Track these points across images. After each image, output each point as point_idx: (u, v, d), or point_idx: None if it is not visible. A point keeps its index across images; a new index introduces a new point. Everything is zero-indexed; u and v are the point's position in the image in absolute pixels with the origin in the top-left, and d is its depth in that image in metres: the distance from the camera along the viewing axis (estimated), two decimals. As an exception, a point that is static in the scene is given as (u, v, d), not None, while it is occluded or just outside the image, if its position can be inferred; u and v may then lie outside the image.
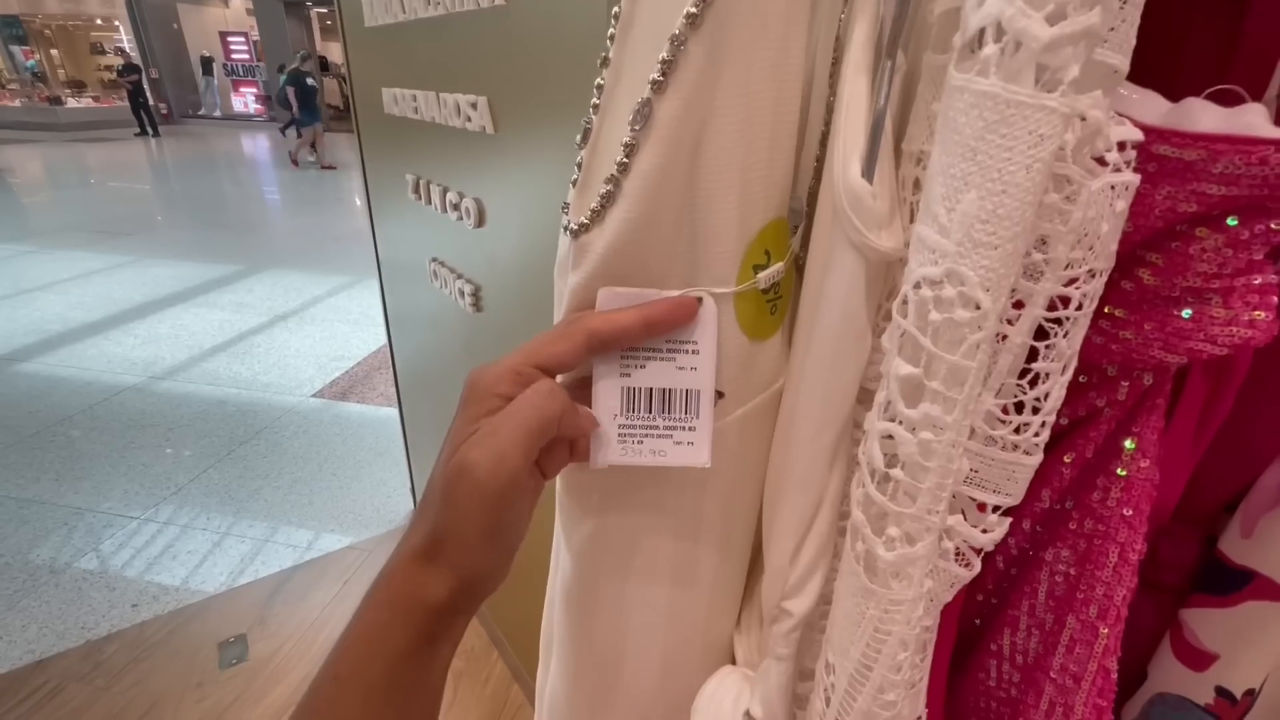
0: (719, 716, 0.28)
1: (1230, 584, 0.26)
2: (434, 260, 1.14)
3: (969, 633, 0.33)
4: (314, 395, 2.49)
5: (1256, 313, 0.19)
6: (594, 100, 0.28)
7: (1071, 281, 0.19)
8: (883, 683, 0.22)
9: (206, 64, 12.56)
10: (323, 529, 1.78)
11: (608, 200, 0.28)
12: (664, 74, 0.25)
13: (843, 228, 0.23)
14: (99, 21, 12.82)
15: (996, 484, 0.21)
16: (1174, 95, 0.21)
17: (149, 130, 10.09)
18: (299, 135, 7.89)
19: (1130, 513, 0.24)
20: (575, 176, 0.31)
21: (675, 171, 0.27)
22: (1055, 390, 0.20)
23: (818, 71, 0.28)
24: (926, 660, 0.26)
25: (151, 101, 10.66)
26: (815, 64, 0.28)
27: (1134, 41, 0.17)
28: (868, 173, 0.22)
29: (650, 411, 0.28)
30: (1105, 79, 0.17)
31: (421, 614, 0.26)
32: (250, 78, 12.76)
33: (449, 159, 0.99)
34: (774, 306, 0.28)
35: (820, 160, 0.30)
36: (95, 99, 11.85)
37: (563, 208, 0.31)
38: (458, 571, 0.26)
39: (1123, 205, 0.19)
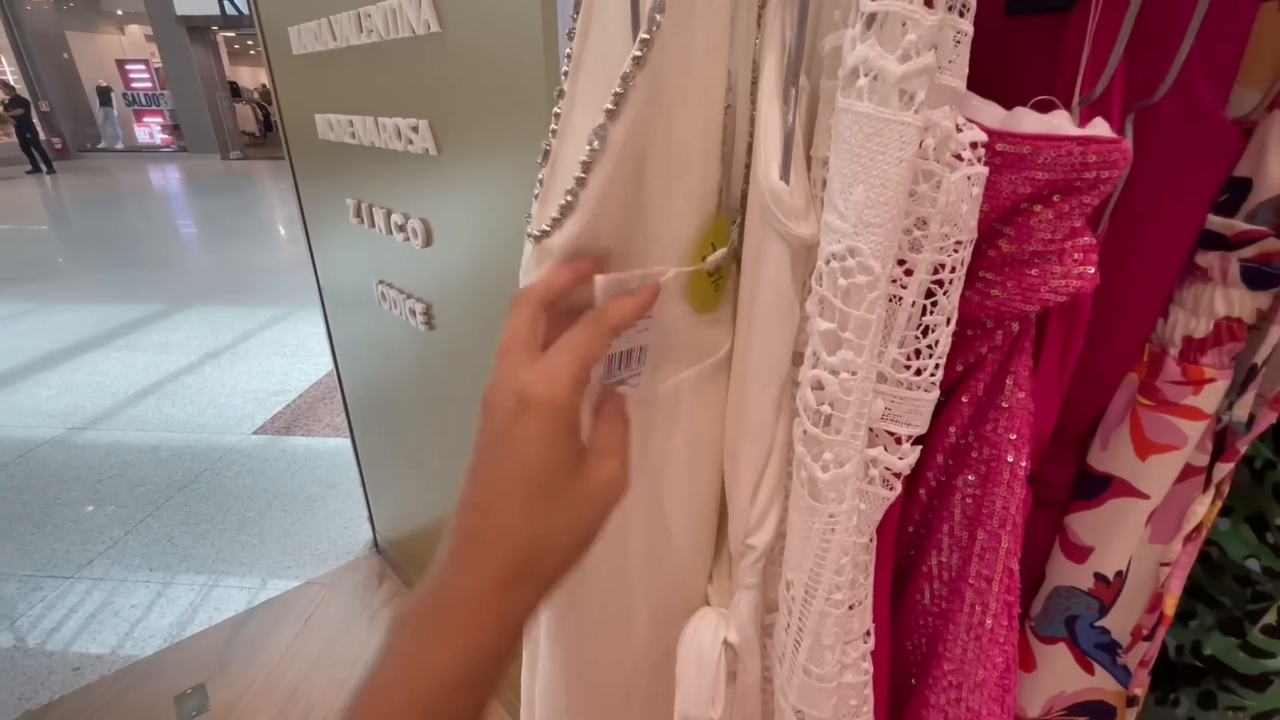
0: (701, 649, 0.33)
1: (1096, 489, 0.32)
2: (381, 282, 1.15)
3: (904, 562, 0.38)
4: (255, 432, 2.40)
5: (1083, 268, 0.25)
6: (552, 126, 0.33)
7: (944, 250, 0.25)
8: (831, 585, 0.27)
9: (104, 94, 11.83)
10: (278, 568, 1.73)
11: (566, 210, 0.32)
12: (616, 104, 0.29)
13: (769, 221, 0.28)
14: (-23, 53, 11.87)
15: (906, 418, 0.26)
16: (1015, 106, 0.27)
17: (41, 167, 9.40)
18: None
19: (1014, 436, 0.30)
20: (536, 191, 0.34)
21: (622, 184, 0.31)
22: (943, 338, 0.26)
23: (740, 92, 0.33)
24: (868, 580, 0.31)
25: (44, 136, 9.95)
26: (737, 86, 0.33)
27: (967, 69, 0.22)
28: (784, 175, 0.27)
29: (618, 367, 0.32)
30: (950, 96, 0.22)
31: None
32: (154, 106, 12.09)
33: (391, 181, 1.00)
34: (718, 286, 0.33)
35: (748, 166, 0.35)
36: (-22, 136, 10.95)
37: (526, 218, 0.35)
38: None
39: (977, 190, 0.25)
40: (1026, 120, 0.25)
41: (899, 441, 0.27)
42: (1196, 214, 0.27)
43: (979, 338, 0.29)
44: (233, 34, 11.29)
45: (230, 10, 9.55)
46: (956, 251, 0.24)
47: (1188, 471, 0.32)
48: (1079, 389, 0.32)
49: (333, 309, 1.51)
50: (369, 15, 0.87)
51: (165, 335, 3.35)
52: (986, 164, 0.24)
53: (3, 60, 11.03)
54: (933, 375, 0.26)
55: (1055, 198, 0.25)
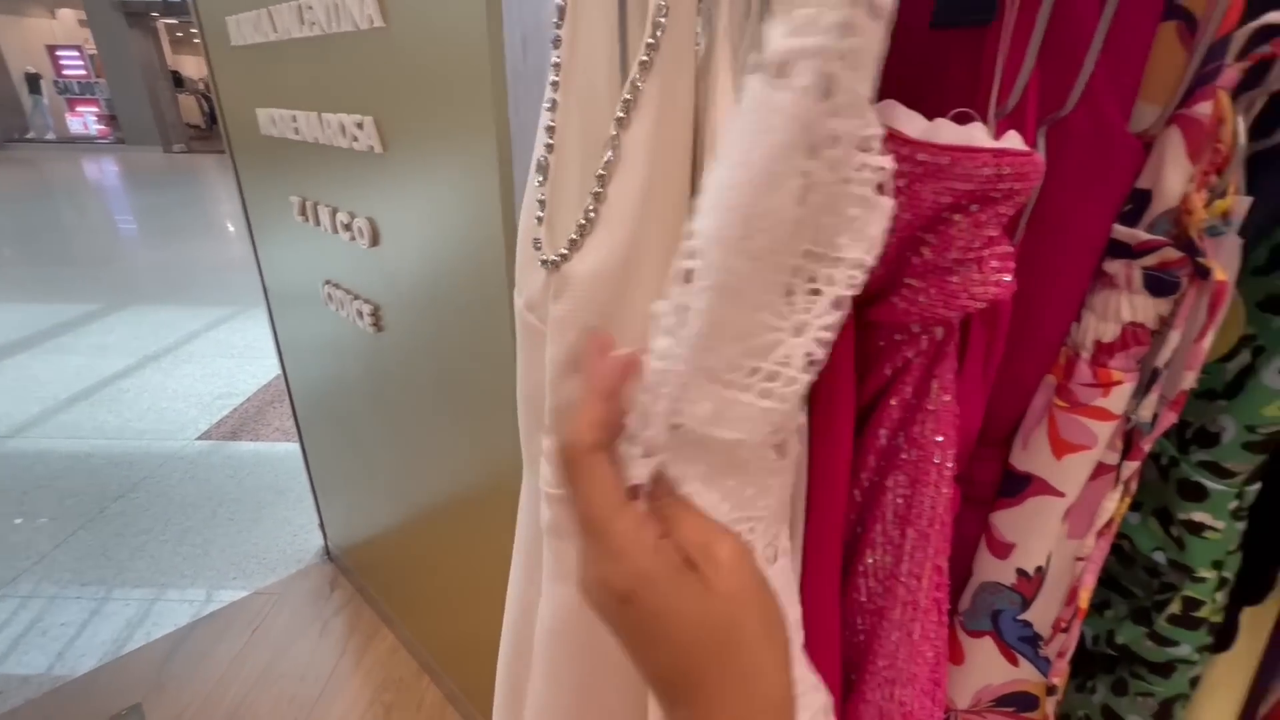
0: None
1: (1017, 487, 0.34)
2: (327, 283, 1.11)
3: (846, 561, 0.39)
4: (199, 438, 2.30)
5: (1000, 275, 0.26)
6: (546, 140, 0.31)
7: (796, 255, 0.25)
8: None
9: (33, 81, 11.14)
10: (222, 579, 1.66)
11: (585, 229, 0.31)
12: (626, 111, 0.28)
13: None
14: (-112, 35, 11.04)
15: (737, 423, 0.26)
16: (939, 117, 0.28)
17: (-37, 158, 8.79)
18: None
19: (940, 438, 0.31)
20: (539, 212, 0.33)
21: (645, 197, 0.30)
22: (781, 346, 0.26)
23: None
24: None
25: (-36, 125, 9.32)
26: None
27: (872, 68, 0.22)
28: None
29: None
30: (844, 98, 0.23)
31: None
32: (89, 95, 11.46)
33: (336, 179, 0.97)
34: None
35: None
36: (-112, 124, 10.17)
37: (533, 242, 0.33)
38: None
39: (858, 212, 0.25)
40: (945, 131, 0.25)
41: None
42: (1103, 224, 0.28)
43: (906, 343, 0.30)
44: (175, 21, 10.78)
45: (171, -4, 9.12)
46: (830, 268, 0.25)
47: (1100, 470, 0.33)
48: (1002, 390, 0.33)
49: (278, 310, 1.46)
50: (310, 8, 0.84)
51: (101, 337, 3.18)
52: (910, 173, 0.25)
53: (-82, 42, 10.28)
54: (766, 381, 0.26)
55: (973, 208, 0.25)
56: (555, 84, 0.30)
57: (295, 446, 1.67)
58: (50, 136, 11.35)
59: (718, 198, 0.23)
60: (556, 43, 0.29)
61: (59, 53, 11.39)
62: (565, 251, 0.31)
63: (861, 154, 0.25)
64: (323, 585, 1.64)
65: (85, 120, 11.52)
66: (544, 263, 0.32)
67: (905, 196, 0.26)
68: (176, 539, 1.80)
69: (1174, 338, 0.27)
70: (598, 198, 0.30)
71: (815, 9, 0.21)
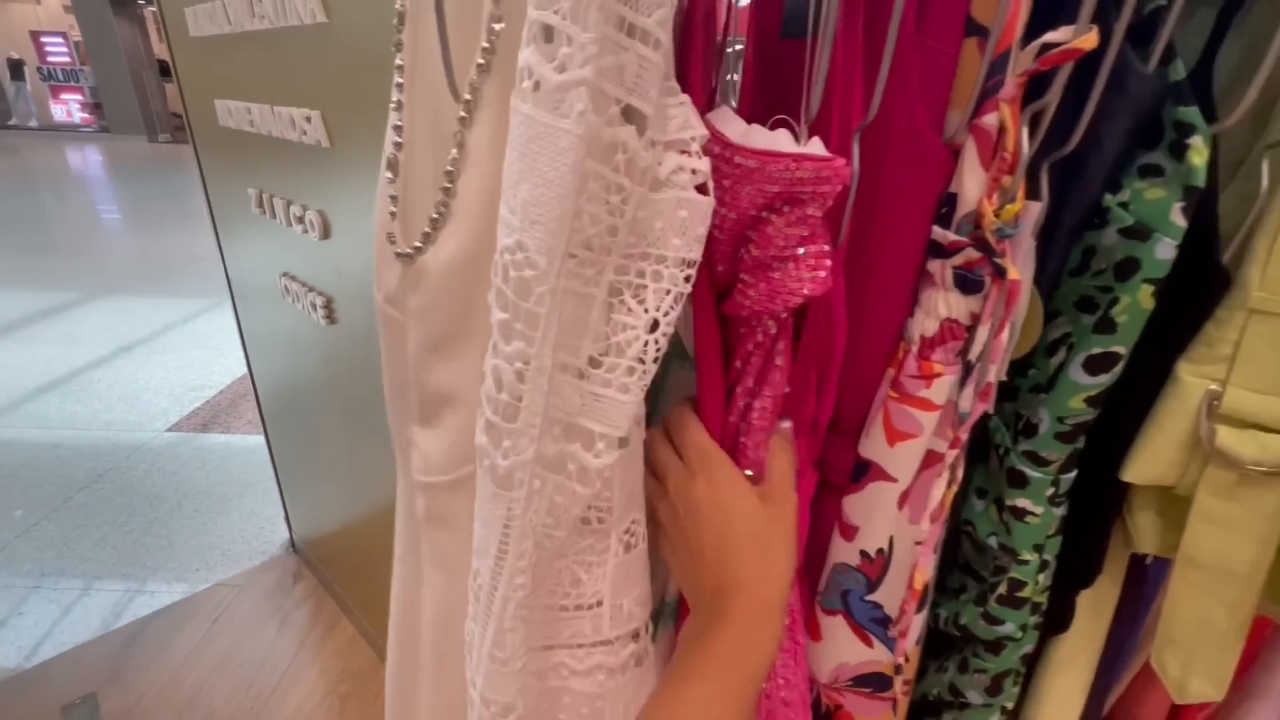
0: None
1: (861, 473, 0.36)
2: (284, 275, 1.12)
3: None
4: (169, 429, 2.29)
5: (815, 272, 0.28)
6: (395, 139, 0.33)
7: (631, 258, 0.27)
8: (513, 569, 0.28)
9: (16, 67, 10.98)
10: (185, 570, 1.66)
11: (437, 223, 0.32)
12: (468, 110, 0.30)
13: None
14: None
15: (601, 417, 0.28)
16: (797, 122, 0.30)
17: (-58, 144, 8.66)
18: None
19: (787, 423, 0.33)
20: (392, 208, 0.34)
21: (492, 191, 0.31)
22: (636, 342, 0.28)
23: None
24: (596, 580, 0.32)
25: (-56, 111, 9.17)
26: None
27: (654, 94, 0.24)
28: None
29: None
30: (638, 117, 0.24)
31: None
32: (73, 83, 11.31)
33: (290, 172, 0.98)
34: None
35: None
36: None
37: (387, 236, 0.35)
38: None
39: (685, 213, 0.27)
40: (758, 137, 0.27)
41: (592, 440, 0.28)
42: (923, 225, 0.30)
43: (748, 335, 0.32)
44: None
45: (159, -16, 8.99)
46: (659, 265, 0.26)
47: (931, 458, 0.35)
48: (852, 382, 0.35)
49: (242, 303, 1.46)
50: (260, 1, 0.85)
51: (74, 327, 3.16)
52: (729, 175, 0.27)
53: (-103, 25, 10.09)
54: (625, 376, 0.28)
55: (785, 208, 0.27)
56: (400, 85, 0.31)
57: (264, 439, 1.67)
58: (33, 124, 11.19)
59: (529, 214, 0.24)
60: (398, 46, 0.31)
61: (43, 39, 11.23)
62: (420, 244, 0.32)
63: (680, 156, 0.27)
64: (286, 578, 1.65)
65: (69, 108, 11.38)
66: (399, 255, 0.33)
67: (730, 196, 0.28)
68: (141, 530, 1.80)
69: (982, 333, 0.29)
70: (448, 193, 0.31)
71: (570, 45, 0.22)
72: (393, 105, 0.34)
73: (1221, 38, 0.28)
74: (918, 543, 0.34)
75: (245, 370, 1.60)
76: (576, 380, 0.28)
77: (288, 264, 1.11)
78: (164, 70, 11.06)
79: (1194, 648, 0.31)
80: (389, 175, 0.34)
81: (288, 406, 1.47)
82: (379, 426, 1.10)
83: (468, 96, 0.28)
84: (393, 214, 0.33)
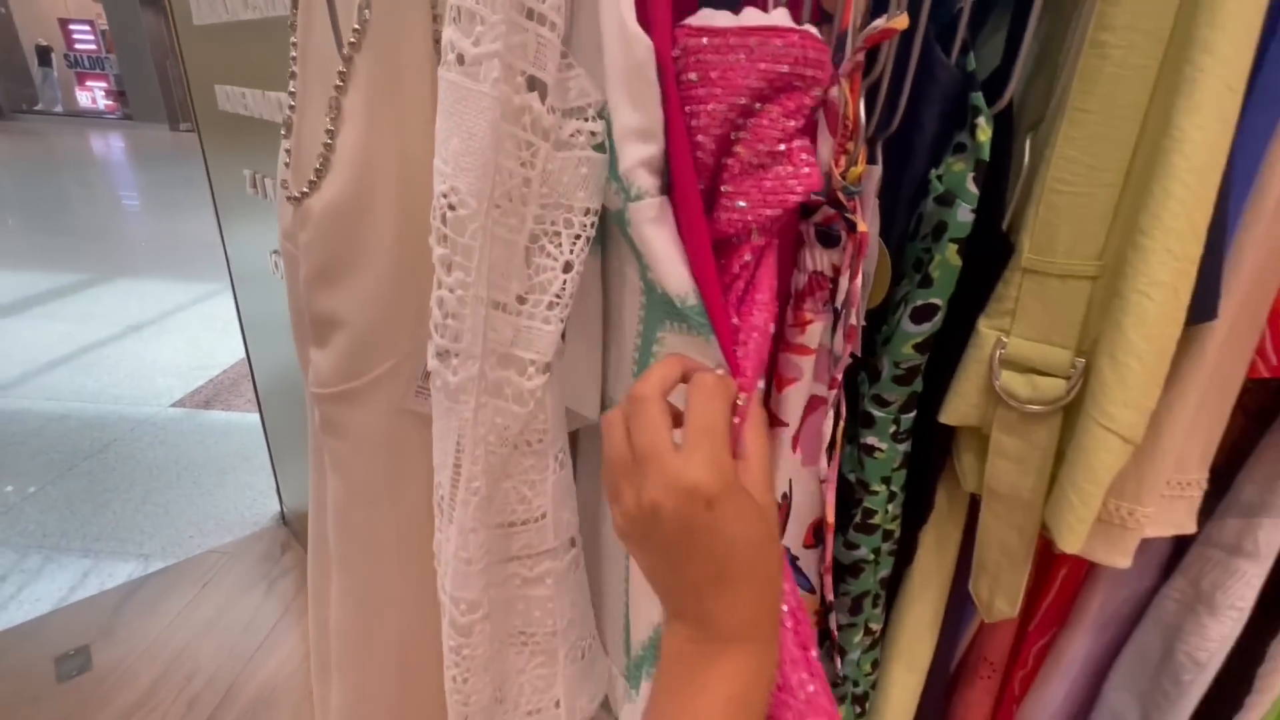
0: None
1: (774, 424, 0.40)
2: (274, 254, 1.18)
3: None
4: (173, 405, 2.37)
5: (804, 169, 0.31)
6: (290, 104, 0.38)
7: (547, 207, 0.32)
8: (469, 474, 0.33)
9: (44, 54, 11.21)
10: (180, 537, 1.73)
11: (320, 172, 0.38)
12: (343, 80, 0.36)
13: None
14: (-99, 0, 11.10)
15: (529, 345, 0.33)
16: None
17: (-30, 126, 8.88)
18: None
19: (771, 328, 0.36)
20: (285, 160, 0.40)
21: (371, 146, 0.37)
22: (555, 280, 0.33)
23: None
24: (540, 496, 0.38)
25: (-26, 94, 9.40)
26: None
27: (554, 66, 0.29)
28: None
29: None
30: (540, 85, 0.29)
31: None
32: (99, 70, 11.54)
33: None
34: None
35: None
36: (-101, 89, 10.25)
37: (281, 183, 0.40)
38: None
39: (585, 170, 0.32)
40: (751, 18, 0.30)
41: (524, 366, 0.34)
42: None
43: (733, 257, 0.35)
44: None
45: (184, -25, 9.17)
46: (569, 214, 0.31)
47: (815, 402, 0.39)
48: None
49: (240, 285, 1.52)
50: (254, -9, 0.91)
51: (88, 306, 3.25)
52: (720, 64, 0.30)
53: (-69, 10, 10.35)
54: (548, 310, 0.33)
55: (780, 96, 0.30)
56: (294, 59, 0.36)
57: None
58: (58, 109, 11.43)
59: (459, 162, 0.30)
60: (293, 28, 0.36)
61: (71, 26, 11.47)
62: (306, 190, 0.38)
63: (578, 121, 0.32)
64: (274, 548, 1.71)
65: (94, 94, 11.60)
66: (290, 199, 0.39)
67: (720, 87, 0.30)
68: (140, 498, 1.87)
69: (843, 282, 0.34)
70: (328, 148, 0.37)
71: (482, 25, 0.27)
72: (289, 74, 0.40)
73: (1021, 37, 0.32)
74: (821, 480, 0.38)
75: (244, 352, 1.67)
76: (507, 315, 0.33)
77: (277, 243, 1.17)
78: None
79: (998, 571, 0.36)
80: (284, 134, 0.39)
81: (282, 386, 1.53)
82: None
83: (342, 69, 0.34)
84: (286, 164, 0.38)
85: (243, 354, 2.73)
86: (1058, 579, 0.43)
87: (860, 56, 0.31)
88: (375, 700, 0.48)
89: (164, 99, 10.40)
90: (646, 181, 0.31)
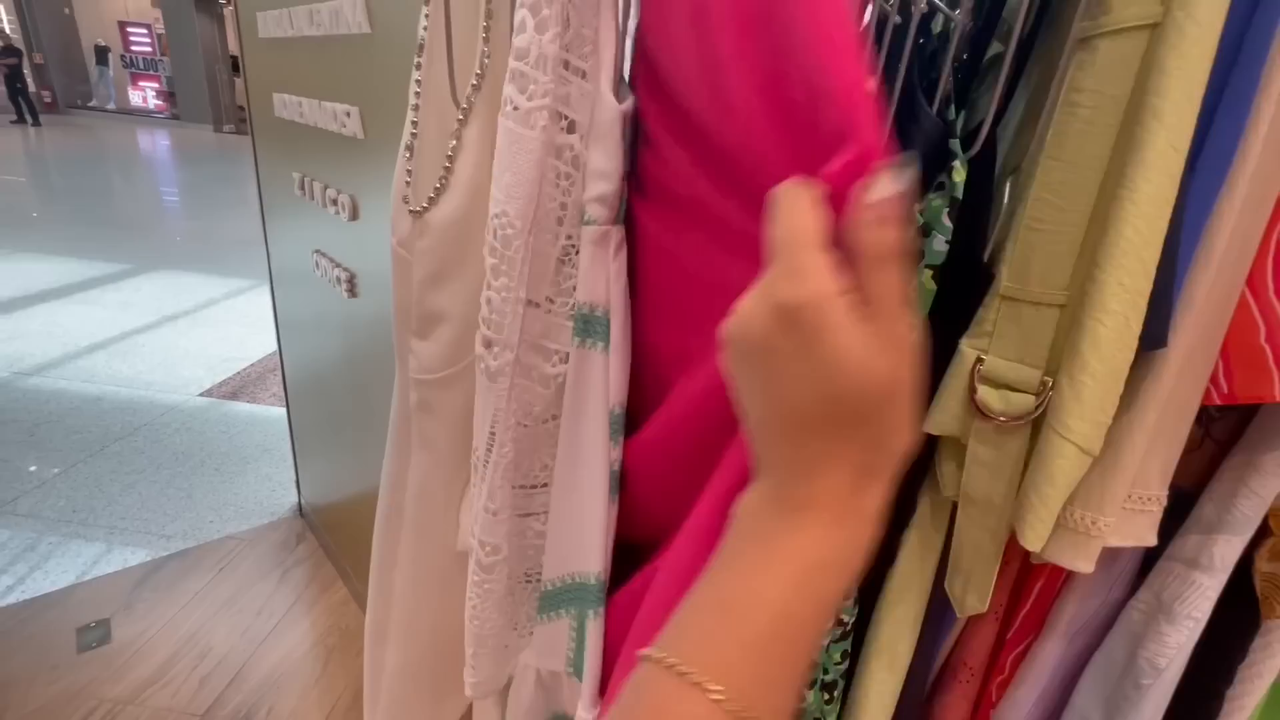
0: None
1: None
2: (316, 251, 1.25)
3: None
4: (201, 394, 2.45)
5: None
6: (412, 130, 0.44)
7: (574, 228, 0.36)
8: (501, 441, 0.38)
9: (102, 53, 11.75)
10: (201, 521, 1.79)
11: (440, 191, 0.43)
12: (464, 117, 0.41)
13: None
14: (-26, -2, 11.74)
15: (554, 339, 0.38)
16: None
17: (27, 118, 9.31)
18: None
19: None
20: (408, 179, 0.46)
21: (482, 172, 0.42)
22: (582, 284, 0.37)
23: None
24: (555, 462, 0.42)
25: (33, 88, 9.85)
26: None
27: (589, 110, 0.34)
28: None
29: None
30: (579, 127, 0.34)
31: None
32: (152, 71, 12.04)
33: (329, 159, 1.11)
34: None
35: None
36: (-36, 81, 10.79)
37: (404, 198, 0.46)
38: None
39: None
40: None
41: (550, 355, 0.38)
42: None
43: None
44: (240, 9, 11.31)
45: (240, -14, 9.61)
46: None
47: None
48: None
49: (278, 282, 1.60)
50: (319, 11, 0.98)
51: (128, 294, 3.38)
52: None
53: (1, 9, 10.91)
54: (570, 311, 0.38)
55: None
56: (417, 94, 0.42)
57: (286, 410, 1.80)
58: (110, 106, 11.92)
59: (510, 192, 0.35)
60: (418, 67, 0.42)
61: (129, 29, 12.02)
62: (426, 205, 0.43)
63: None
64: (290, 537, 1.76)
65: (145, 94, 12.10)
66: (411, 212, 0.44)
67: None
68: (165, 481, 1.94)
69: None
70: (448, 170, 0.42)
71: (535, 84, 0.33)
72: (411, 106, 0.45)
73: (1012, 92, 0.37)
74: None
75: (276, 346, 1.74)
76: (539, 312, 0.38)
77: (319, 242, 1.24)
78: (235, 66, 11.73)
79: (970, 570, 0.39)
80: (406, 154, 0.45)
81: (309, 381, 1.59)
82: (386, 400, 1.20)
83: (465, 105, 0.39)
84: (408, 183, 0.43)
85: (271, 349, 2.83)
86: (1034, 590, 0.46)
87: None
88: (438, 659, 0.53)
89: (210, 101, 10.83)
90: (598, 211, 0.37)
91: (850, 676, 0.48)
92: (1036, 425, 0.34)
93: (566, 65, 0.34)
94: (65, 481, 1.89)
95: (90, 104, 11.87)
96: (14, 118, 9.29)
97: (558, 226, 0.36)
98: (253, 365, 2.72)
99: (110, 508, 1.80)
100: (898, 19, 0.34)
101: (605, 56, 0.35)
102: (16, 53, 9.39)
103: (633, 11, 0.38)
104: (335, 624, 1.50)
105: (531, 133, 0.33)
